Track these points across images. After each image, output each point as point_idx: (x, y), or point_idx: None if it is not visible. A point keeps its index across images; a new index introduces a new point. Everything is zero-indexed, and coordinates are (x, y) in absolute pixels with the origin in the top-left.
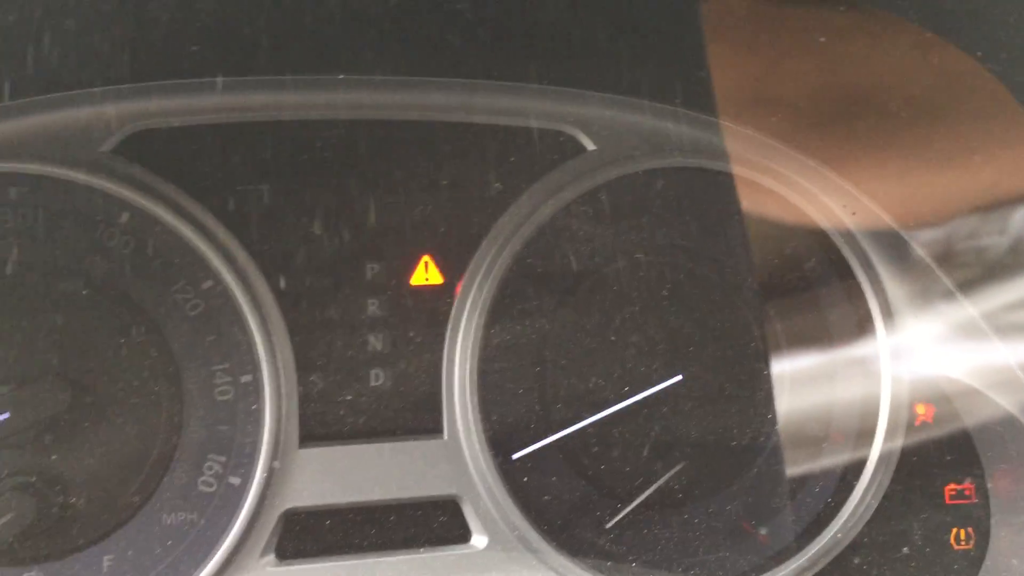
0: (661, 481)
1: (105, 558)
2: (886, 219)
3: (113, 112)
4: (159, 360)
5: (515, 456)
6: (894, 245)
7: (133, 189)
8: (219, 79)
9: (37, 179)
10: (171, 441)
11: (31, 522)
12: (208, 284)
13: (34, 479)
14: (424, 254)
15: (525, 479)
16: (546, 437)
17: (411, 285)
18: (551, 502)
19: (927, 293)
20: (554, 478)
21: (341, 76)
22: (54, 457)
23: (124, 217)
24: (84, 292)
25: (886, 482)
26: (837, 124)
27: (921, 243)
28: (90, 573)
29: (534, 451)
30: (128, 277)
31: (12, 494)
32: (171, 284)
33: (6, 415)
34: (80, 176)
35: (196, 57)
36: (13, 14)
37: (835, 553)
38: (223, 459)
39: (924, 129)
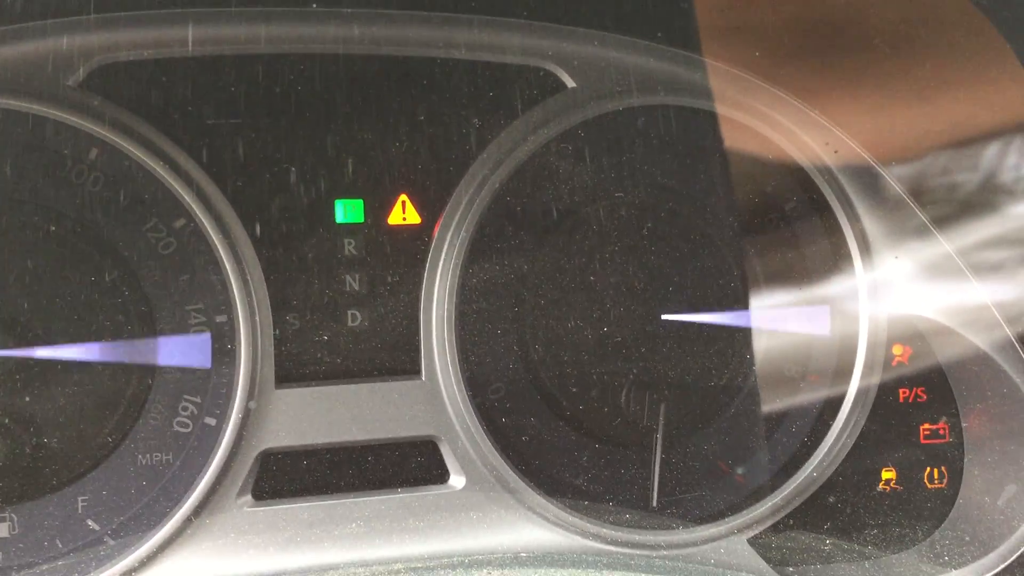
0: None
1: (80, 499)
2: (863, 154)
3: (79, 44)
4: (131, 299)
5: (492, 397)
6: (872, 182)
7: (101, 124)
8: (190, 10)
9: (3, 113)
10: (145, 382)
11: (2, 463)
12: (181, 223)
13: (5, 420)
14: (401, 193)
15: (503, 420)
16: (524, 378)
17: (388, 224)
18: (529, 442)
19: (903, 230)
20: (532, 418)
21: (315, 6)
22: (24, 396)
23: (93, 153)
24: (53, 229)
25: (861, 422)
26: (815, 55)
27: (896, 178)
28: (65, 514)
29: (512, 391)
30: (98, 214)
31: None
32: (143, 223)
33: None
34: (46, 109)
35: None
36: None
37: (810, 492)
38: (198, 400)
39: (902, 61)
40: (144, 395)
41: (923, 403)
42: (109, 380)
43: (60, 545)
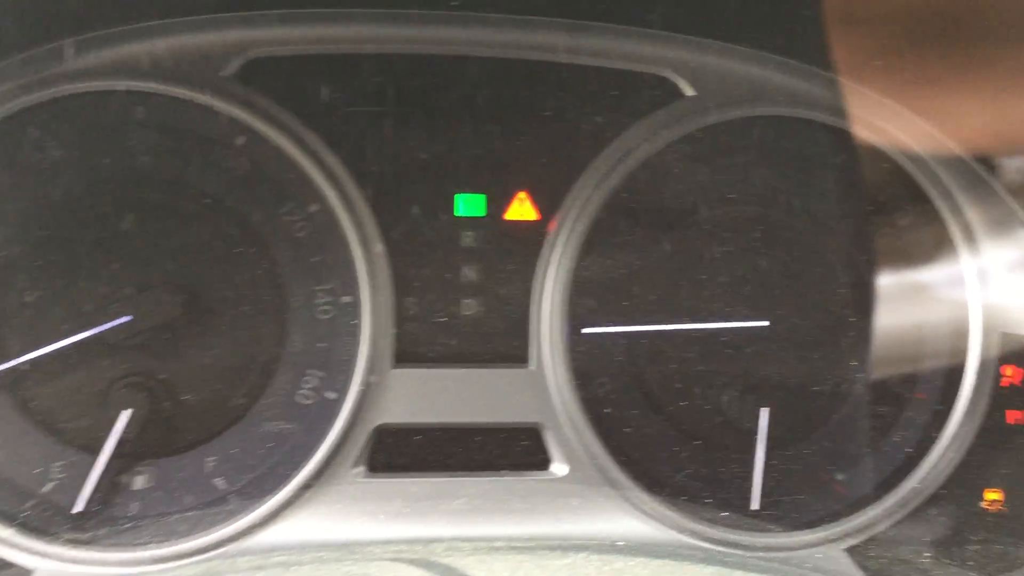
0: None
1: (209, 459)
2: (979, 169)
3: (235, 38)
4: (266, 277)
5: (598, 390)
6: (991, 203)
7: (250, 112)
8: (336, 11)
9: (162, 99)
10: (273, 353)
11: (144, 420)
12: (315, 208)
13: (148, 379)
14: (520, 190)
15: (606, 411)
16: (629, 372)
17: (506, 219)
18: (630, 436)
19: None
20: (635, 412)
21: (455, 3)
22: (167, 360)
23: (240, 140)
24: (200, 208)
25: (968, 440)
26: (930, 45)
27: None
28: (195, 472)
29: (617, 385)
30: (241, 197)
31: (128, 391)
32: (280, 206)
33: (128, 318)
34: (201, 98)
35: None
36: None
37: (912, 505)
38: (321, 374)
39: (1014, 53)
40: (272, 366)
41: None
42: (241, 350)
43: (189, 500)
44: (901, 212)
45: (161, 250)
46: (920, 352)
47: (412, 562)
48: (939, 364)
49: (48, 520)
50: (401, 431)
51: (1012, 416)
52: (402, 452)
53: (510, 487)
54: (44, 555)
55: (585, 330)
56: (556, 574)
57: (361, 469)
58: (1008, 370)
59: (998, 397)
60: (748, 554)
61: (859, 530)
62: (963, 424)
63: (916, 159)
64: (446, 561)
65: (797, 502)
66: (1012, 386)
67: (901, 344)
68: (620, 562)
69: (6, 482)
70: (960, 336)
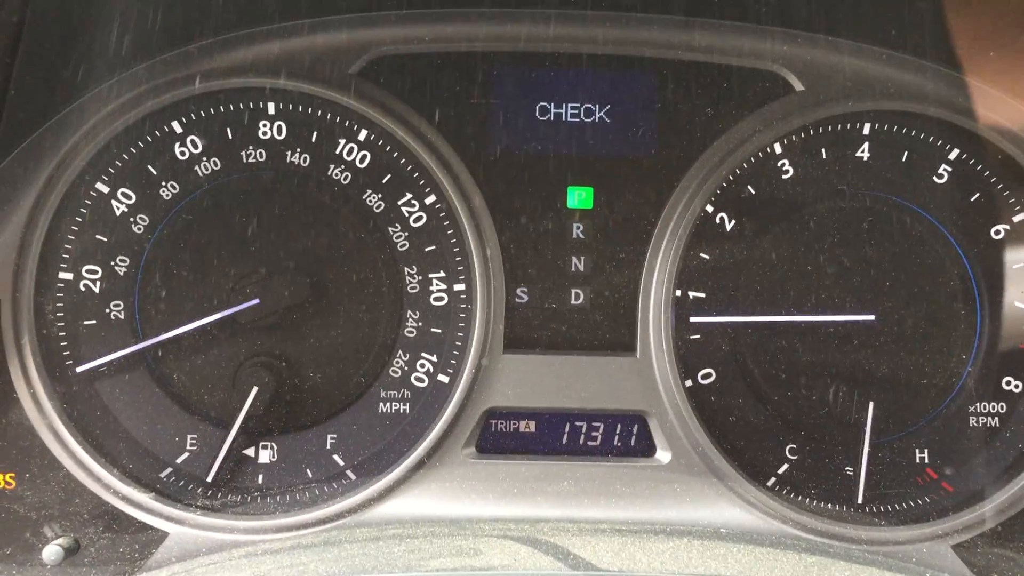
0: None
1: (329, 436)
2: None
3: (360, 37)
4: (384, 264)
5: (704, 380)
6: None
7: (374, 107)
8: (454, 10)
9: (292, 95)
10: (390, 337)
11: (270, 397)
12: (432, 199)
13: (275, 360)
14: (630, 182)
15: (711, 401)
16: (735, 362)
17: (614, 211)
18: (735, 425)
19: None
20: (740, 402)
21: (557, 9)
22: (292, 342)
23: (362, 134)
24: (325, 198)
25: None
26: None
27: None
28: (316, 448)
29: (722, 375)
30: (363, 188)
31: (257, 369)
32: (399, 197)
33: (256, 301)
34: (330, 94)
35: None
36: None
37: (1023, 505)
38: (434, 358)
39: None
40: (389, 350)
41: None
42: (360, 334)
43: (310, 474)
44: (1014, 206)
45: (288, 237)
46: (989, 344)
47: (519, 539)
48: None
49: (182, 488)
50: (510, 414)
51: None
52: (511, 436)
53: (615, 472)
54: (178, 520)
55: (692, 319)
56: (659, 557)
57: (471, 450)
58: None
59: None
60: (852, 546)
61: (967, 527)
62: None
63: None
64: (552, 540)
65: (903, 497)
66: None
67: (1011, 340)
68: (722, 548)
69: (145, 451)
70: None
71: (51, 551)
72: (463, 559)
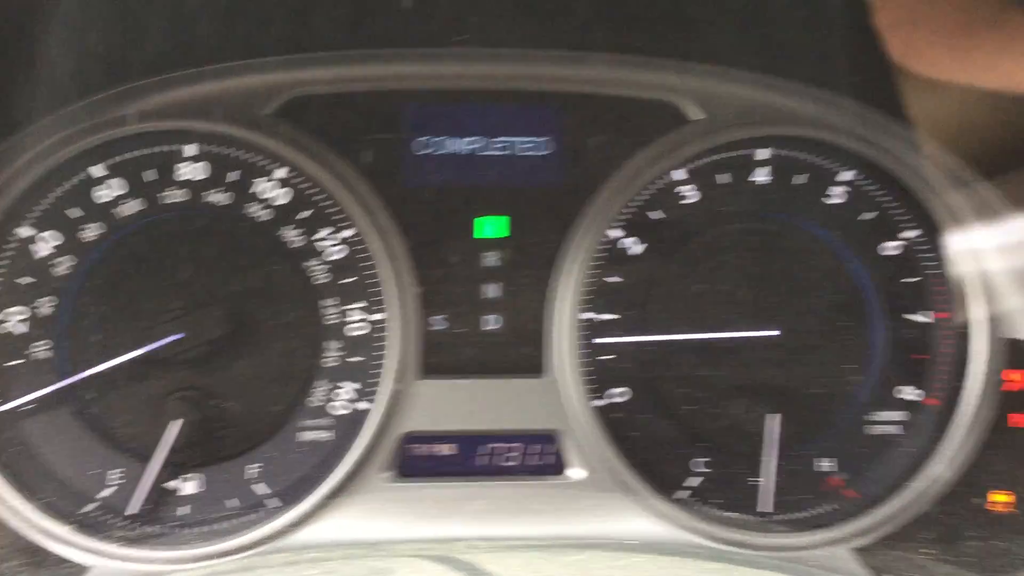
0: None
1: (251, 466)
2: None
3: (275, 80)
4: (304, 296)
5: (611, 398)
6: (983, 203)
7: (290, 146)
8: (363, 52)
9: (211, 136)
10: (311, 367)
11: (192, 430)
12: (349, 233)
13: (197, 392)
14: (540, 211)
15: (619, 418)
16: (641, 380)
17: (524, 239)
18: (643, 441)
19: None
20: (647, 419)
21: (465, 40)
22: (214, 375)
23: (280, 172)
24: (245, 234)
25: (971, 444)
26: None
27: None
28: (238, 478)
29: (629, 393)
30: (281, 224)
31: (181, 403)
32: (318, 232)
33: (180, 335)
34: (246, 134)
35: (343, 31)
36: None
37: (918, 508)
38: (355, 386)
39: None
40: (309, 379)
41: None
42: (281, 364)
43: (232, 504)
44: (903, 225)
45: (210, 272)
46: (924, 359)
47: (432, 558)
48: (945, 370)
49: (103, 522)
50: (427, 438)
51: (1014, 420)
52: (428, 459)
53: (528, 491)
54: (98, 553)
55: (596, 340)
56: (566, 569)
57: (391, 474)
58: (1012, 375)
59: (1001, 401)
60: (755, 553)
61: (866, 531)
62: (967, 428)
63: (918, 176)
64: (464, 558)
65: (805, 504)
66: (1015, 391)
67: (906, 351)
68: (627, 559)
69: (67, 487)
70: (964, 343)
71: None
72: None
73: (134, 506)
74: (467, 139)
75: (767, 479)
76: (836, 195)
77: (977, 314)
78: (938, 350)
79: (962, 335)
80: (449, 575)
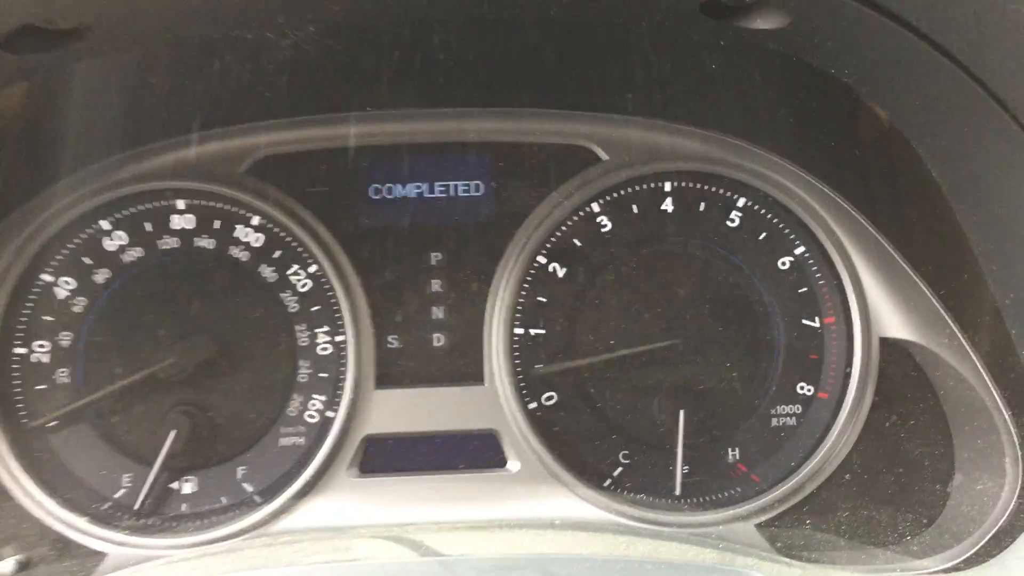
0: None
1: (239, 468)
2: (848, 207)
3: (247, 143)
4: (279, 323)
5: (541, 400)
6: (862, 229)
7: (261, 199)
8: (319, 116)
9: (196, 192)
10: (287, 382)
11: (188, 438)
12: (314, 268)
13: (192, 407)
14: (475, 244)
15: (550, 418)
16: (569, 384)
17: (465, 267)
18: (571, 437)
19: (889, 270)
20: (575, 418)
21: (409, 109)
22: (205, 392)
23: (255, 220)
24: (228, 272)
25: (858, 429)
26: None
27: (882, 230)
28: (228, 478)
29: (558, 396)
30: (258, 263)
31: (176, 416)
32: (288, 268)
33: (172, 360)
34: (225, 190)
35: (305, 101)
36: (180, 76)
37: (811, 488)
38: (324, 398)
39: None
40: (287, 393)
41: (919, 418)
42: (262, 381)
43: (224, 500)
44: (793, 243)
45: (200, 305)
46: (816, 359)
47: (387, 538)
48: (833, 367)
49: (116, 516)
50: (385, 440)
51: (898, 409)
52: (387, 457)
53: (473, 482)
54: (111, 541)
55: (527, 354)
56: (498, 544)
57: (355, 470)
58: (893, 369)
59: (885, 393)
60: (663, 529)
61: (765, 508)
62: (851, 416)
63: (796, 197)
64: (414, 537)
65: (713, 487)
66: (897, 383)
67: (803, 352)
68: (552, 535)
69: (86, 488)
70: (849, 343)
71: (7, 566)
72: (336, 553)
73: (139, 502)
74: (412, 184)
75: (677, 467)
76: (734, 219)
77: (856, 318)
78: (827, 350)
79: (847, 336)
80: (399, 551)
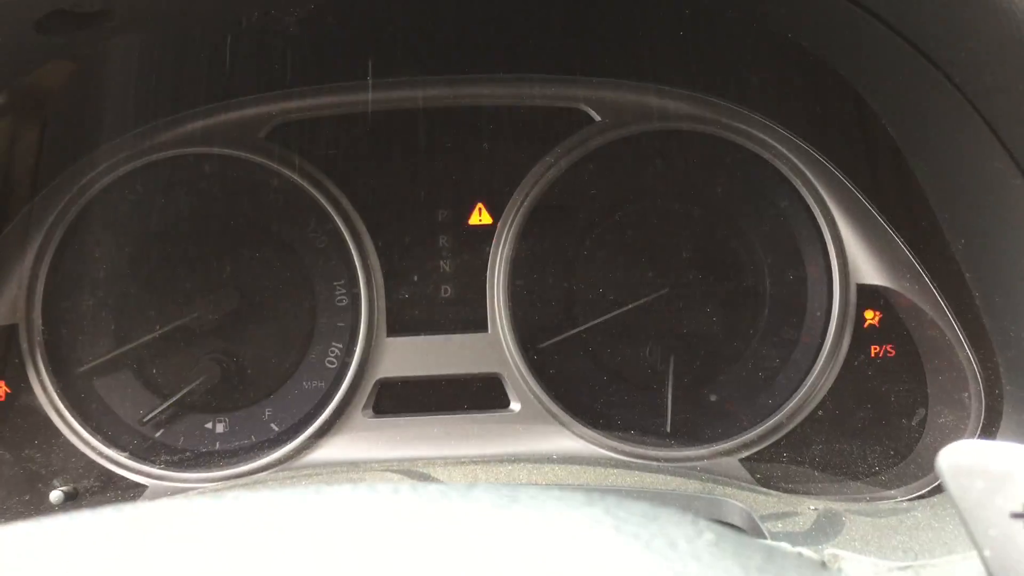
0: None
1: (266, 410)
2: (832, 168)
3: (267, 110)
4: (299, 277)
5: (541, 346)
6: (845, 192)
7: (279, 163)
8: (332, 84)
9: (219, 157)
10: (308, 331)
11: (218, 382)
12: (330, 226)
13: (221, 354)
14: (478, 202)
15: (549, 362)
16: (566, 330)
17: (469, 224)
18: (571, 379)
19: (866, 226)
20: (573, 362)
21: (407, 77)
22: (234, 341)
23: (275, 182)
24: (251, 231)
25: (836, 370)
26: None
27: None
28: (255, 420)
29: (557, 342)
30: (278, 221)
31: (207, 363)
32: (305, 226)
33: (199, 313)
34: (245, 155)
35: (313, 71)
36: (206, 43)
37: (791, 425)
38: (340, 345)
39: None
40: (308, 341)
41: (892, 358)
42: (285, 330)
43: (253, 438)
44: (773, 197)
45: (224, 262)
46: (797, 306)
47: (395, 471)
48: (817, 314)
49: (153, 450)
50: (397, 383)
51: (874, 350)
52: (399, 399)
53: (478, 421)
54: (150, 475)
55: (526, 302)
56: (496, 475)
57: (369, 411)
58: (868, 313)
59: (862, 336)
60: (654, 464)
61: (747, 445)
62: (830, 359)
63: (780, 156)
64: (421, 470)
65: (700, 425)
66: (872, 326)
67: (788, 300)
68: (547, 467)
69: (127, 427)
70: (829, 290)
71: (56, 496)
72: (350, 484)
73: (148, 417)
74: (417, 149)
75: (668, 407)
76: (722, 177)
77: (835, 266)
78: (810, 298)
79: (827, 284)
80: (404, 481)
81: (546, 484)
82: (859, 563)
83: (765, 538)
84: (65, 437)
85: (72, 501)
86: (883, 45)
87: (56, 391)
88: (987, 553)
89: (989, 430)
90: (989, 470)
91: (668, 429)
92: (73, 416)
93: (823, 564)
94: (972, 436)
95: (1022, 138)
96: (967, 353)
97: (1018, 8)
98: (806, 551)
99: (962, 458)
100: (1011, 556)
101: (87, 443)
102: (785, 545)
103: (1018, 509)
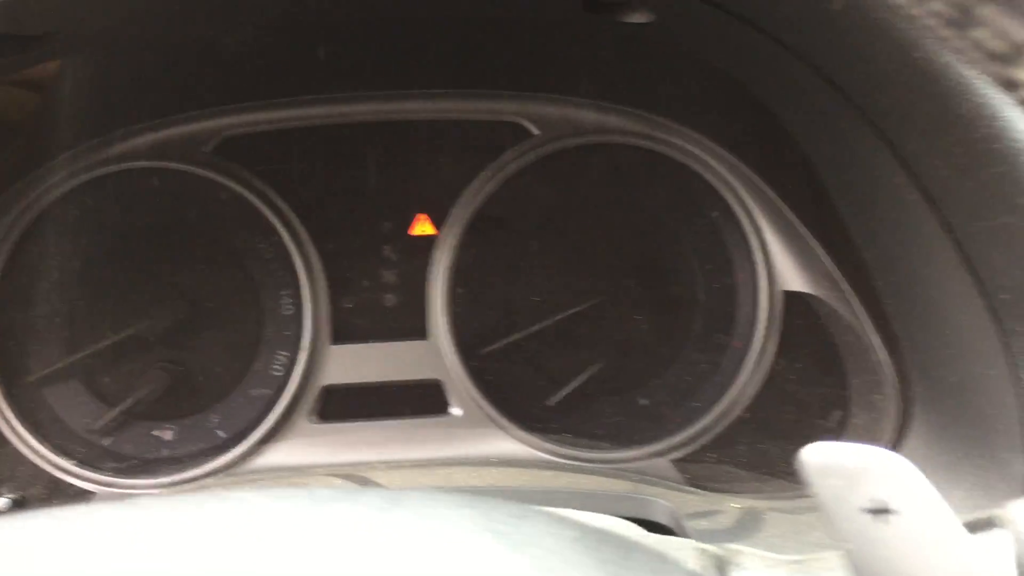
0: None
1: (214, 417)
2: (758, 179)
3: (214, 125)
4: (246, 287)
5: (480, 352)
6: (768, 200)
7: (226, 176)
8: (276, 100)
9: (168, 171)
10: (255, 340)
11: (166, 391)
12: (276, 237)
13: (170, 363)
14: (421, 213)
15: (487, 368)
16: (503, 337)
17: (411, 235)
18: (509, 385)
19: (791, 234)
20: (510, 368)
21: (346, 92)
22: (182, 350)
23: (222, 195)
24: (200, 241)
25: (762, 375)
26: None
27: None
28: (203, 427)
29: (494, 348)
30: (225, 233)
31: (156, 371)
32: (252, 237)
33: (148, 322)
34: (193, 168)
35: (267, 82)
36: (153, 61)
37: (720, 428)
38: (286, 353)
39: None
40: (254, 349)
41: (815, 363)
42: (233, 339)
43: (200, 445)
44: (703, 208)
45: (173, 273)
46: (727, 312)
47: (338, 475)
48: (745, 319)
49: (99, 458)
50: (342, 389)
51: (798, 355)
52: (344, 405)
53: (420, 426)
54: (98, 483)
55: (465, 311)
56: (435, 479)
57: (315, 417)
58: (793, 319)
59: (787, 340)
60: (584, 464)
61: (677, 447)
62: (757, 363)
63: (709, 168)
64: (362, 474)
65: (633, 427)
66: (797, 332)
67: (721, 306)
68: (485, 471)
69: (74, 434)
70: (756, 295)
71: (3, 503)
72: (291, 488)
73: (100, 424)
74: (362, 161)
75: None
76: (655, 187)
77: (762, 274)
78: (739, 304)
79: (754, 290)
80: (346, 485)
81: (483, 486)
82: (754, 557)
83: (688, 536)
84: (13, 445)
85: (20, 508)
86: (788, 68)
87: (4, 400)
88: (849, 547)
89: (902, 431)
90: (845, 468)
91: (602, 433)
92: (22, 424)
93: (720, 558)
94: (886, 436)
95: (916, 155)
96: (881, 357)
97: (905, 35)
98: (709, 547)
99: (821, 457)
100: (867, 550)
101: (35, 451)
102: (680, 540)
103: (869, 505)
